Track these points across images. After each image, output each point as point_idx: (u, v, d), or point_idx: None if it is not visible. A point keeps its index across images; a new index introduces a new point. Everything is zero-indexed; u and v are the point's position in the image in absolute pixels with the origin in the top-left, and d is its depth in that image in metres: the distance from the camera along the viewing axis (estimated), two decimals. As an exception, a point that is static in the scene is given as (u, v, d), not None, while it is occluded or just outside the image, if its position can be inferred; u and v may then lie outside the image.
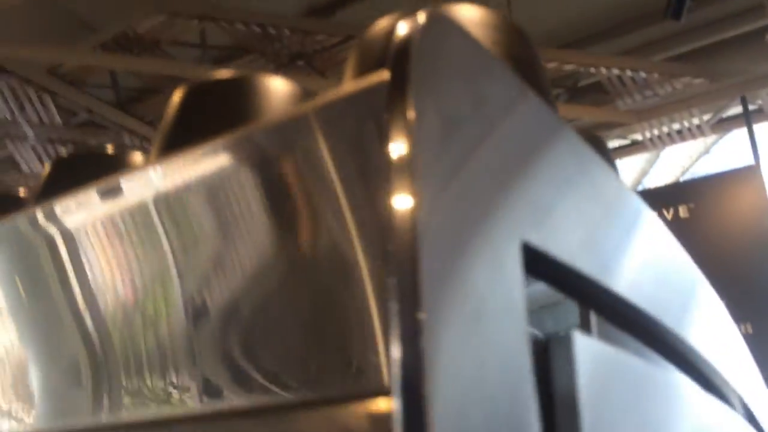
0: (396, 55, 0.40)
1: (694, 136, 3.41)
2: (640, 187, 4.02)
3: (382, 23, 0.81)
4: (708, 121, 3.37)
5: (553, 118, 0.51)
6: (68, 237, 0.61)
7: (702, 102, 3.19)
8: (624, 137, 3.70)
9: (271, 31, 2.91)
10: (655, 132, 3.39)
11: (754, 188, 2.90)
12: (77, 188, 0.61)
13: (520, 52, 0.82)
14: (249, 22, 2.92)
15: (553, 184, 0.48)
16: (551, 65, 3.03)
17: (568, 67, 3.14)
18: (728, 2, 2.94)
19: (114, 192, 0.59)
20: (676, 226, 2.97)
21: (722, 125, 3.49)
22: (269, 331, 0.46)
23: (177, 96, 0.89)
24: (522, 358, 0.39)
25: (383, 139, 0.38)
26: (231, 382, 0.48)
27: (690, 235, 2.75)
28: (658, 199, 3.10)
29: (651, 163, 4.17)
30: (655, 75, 3.09)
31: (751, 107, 3.25)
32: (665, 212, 3.06)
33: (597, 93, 3.32)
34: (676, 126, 3.34)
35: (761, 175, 2.96)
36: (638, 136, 3.50)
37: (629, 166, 4.08)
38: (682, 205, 3.05)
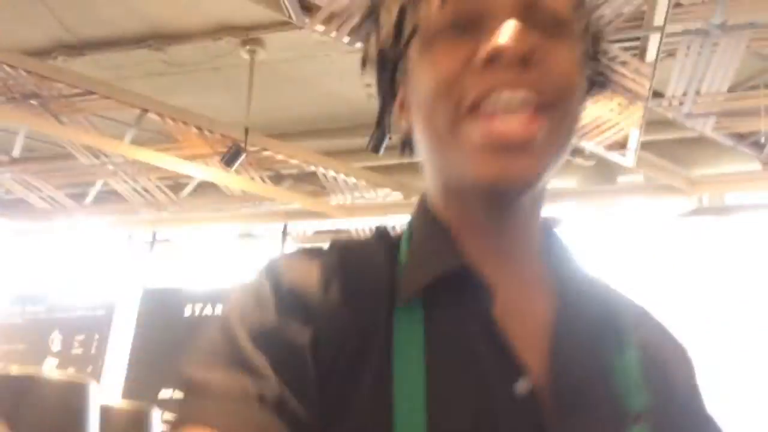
0: None
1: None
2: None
3: None
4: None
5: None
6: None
7: (397, 211, 3.83)
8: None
9: (6, 68, 2.93)
10: (362, 227, 3.96)
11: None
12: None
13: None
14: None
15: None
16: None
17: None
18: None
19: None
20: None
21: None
22: None
23: None
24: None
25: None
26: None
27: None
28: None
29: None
30: (362, 181, 3.65)
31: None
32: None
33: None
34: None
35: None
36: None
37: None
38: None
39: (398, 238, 0.68)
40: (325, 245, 0.67)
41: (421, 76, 0.64)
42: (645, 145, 3.30)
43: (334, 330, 0.60)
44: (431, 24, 0.63)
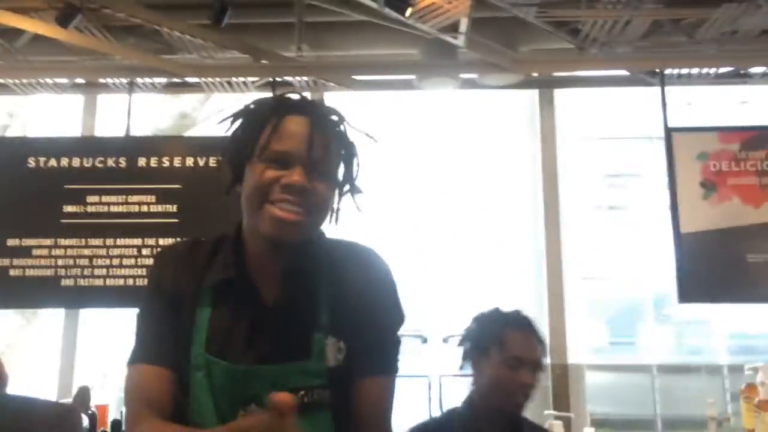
0: None
1: (242, 91, 4.16)
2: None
3: None
4: (254, 83, 4.12)
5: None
6: None
7: (245, 73, 3.93)
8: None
9: None
10: (211, 81, 4.04)
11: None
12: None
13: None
14: None
15: None
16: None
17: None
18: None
19: None
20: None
21: (268, 86, 4.24)
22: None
23: None
24: None
25: None
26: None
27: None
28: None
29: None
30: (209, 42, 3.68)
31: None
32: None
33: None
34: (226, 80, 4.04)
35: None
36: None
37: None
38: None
39: (225, 242, 1.31)
40: (180, 242, 1.36)
41: (252, 175, 1.23)
42: (477, 26, 3.56)
43: (174, 296, 1.27)
44: (262, 155, 1.23)
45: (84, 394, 3.32)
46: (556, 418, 3.29)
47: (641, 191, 4.55)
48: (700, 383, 4.08)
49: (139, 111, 4.17)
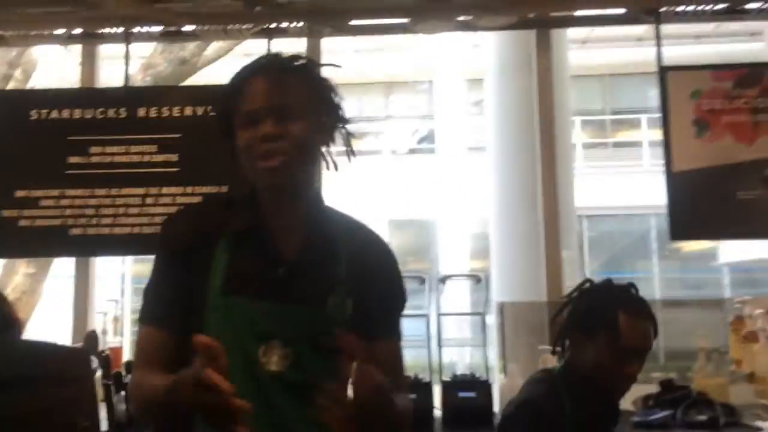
0: None
1: (237, 38, 4.18)
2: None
3: None
4: (249, 29, 4.13)
5: None
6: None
7: (239, 20, 3.93)
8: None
9: None
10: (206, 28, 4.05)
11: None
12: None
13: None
14: None
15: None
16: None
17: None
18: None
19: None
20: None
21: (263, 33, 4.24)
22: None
23: None
24: None
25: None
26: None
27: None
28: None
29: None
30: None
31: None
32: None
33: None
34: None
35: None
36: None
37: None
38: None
39: (240, 197, 1.40)
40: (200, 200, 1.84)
41: (238, 140, 1.35)
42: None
43: (185, 252, 1.35)
44: (238, 122, 1.35)
45: (92, 338, 3.48)
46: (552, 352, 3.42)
47: (646, 128, 4.59)
48: (702, 316, 4.21)
49: (137, 59, 4.18)
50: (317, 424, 1.17)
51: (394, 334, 1.46)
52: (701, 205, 3.78)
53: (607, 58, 9.81)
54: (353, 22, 4.11)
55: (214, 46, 5.83)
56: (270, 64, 1.38)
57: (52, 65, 5.12)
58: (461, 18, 4.11)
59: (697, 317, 4.29)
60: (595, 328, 1.74)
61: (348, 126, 1.44)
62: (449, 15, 4.03)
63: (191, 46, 5.52)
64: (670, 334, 4.25)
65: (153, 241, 3.64)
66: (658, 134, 4.07)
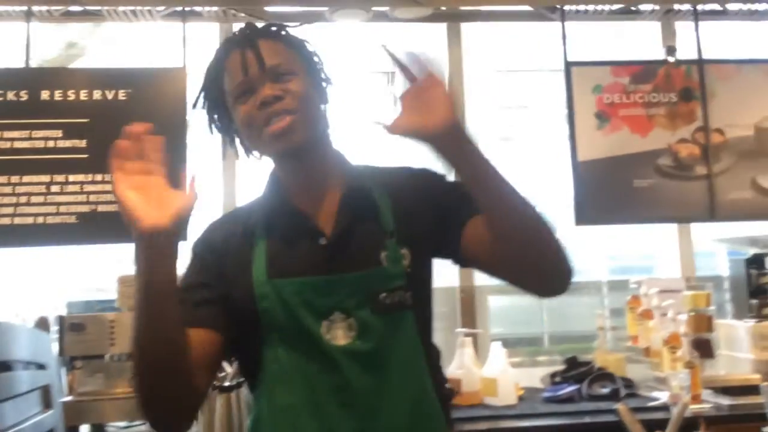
0: None
1: (147, 20, 4.01)
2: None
3: None
4: (160, 12, 3.98)
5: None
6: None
7: (152, 2, 3.80)
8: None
9: None
10: (113, 9, 3.87)
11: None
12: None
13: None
14: None
15: None
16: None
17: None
18: None
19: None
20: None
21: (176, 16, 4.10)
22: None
23: None
24: None
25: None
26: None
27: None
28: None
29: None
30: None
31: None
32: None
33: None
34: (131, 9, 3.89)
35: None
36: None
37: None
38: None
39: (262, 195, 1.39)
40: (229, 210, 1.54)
41: (238, 117, 1.33)
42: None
43: (222, 248, 1.34)
44: (231, 100, 1.33)
45: (44, 323, 3.29)
46: (466, 335, 3.56)
47: (536, 122, 4.82)
48: (585, 300, 4.49)
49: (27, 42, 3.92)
50: (393, 394, 1.19)
51: (476, 207, 1.29)
52: (602, 192, 4.04)
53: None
54: (269, 9, 4.06)
55: (108, 29, 5.55)
56: (248, 35, 1.35)
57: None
58: (377, 8, 4.15)
59: (579, 301, 4.56)
60: None
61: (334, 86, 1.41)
62: (366, 5, 4.07)
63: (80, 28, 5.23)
64: (555, 319, 4.50)
65: (59, 232, 3.50)
66: (555, 127, 4.30)
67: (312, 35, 1.46)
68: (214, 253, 1.33)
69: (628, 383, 3.58)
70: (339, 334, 1.23)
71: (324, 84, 1.40)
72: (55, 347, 2.86)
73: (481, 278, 4.28)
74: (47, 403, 1.66)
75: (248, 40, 1.32)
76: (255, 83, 1.29)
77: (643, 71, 4.18)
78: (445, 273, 4.37)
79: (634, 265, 5.32)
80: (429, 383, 1.28)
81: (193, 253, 1.37)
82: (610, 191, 4.05)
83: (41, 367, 1.67)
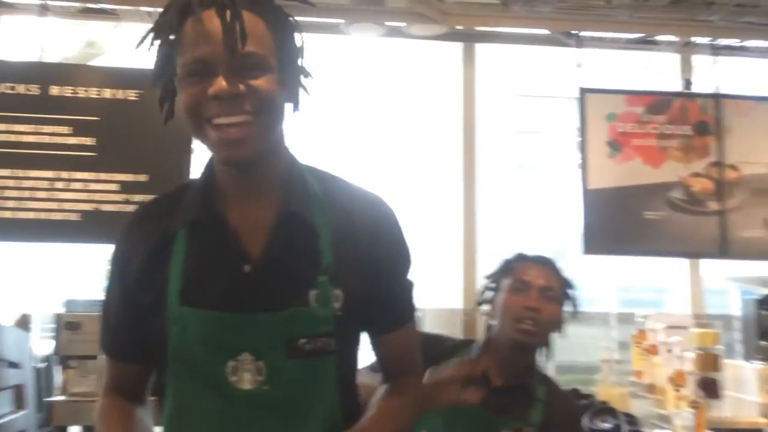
0: None
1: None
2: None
3: None
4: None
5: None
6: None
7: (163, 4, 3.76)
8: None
9: None
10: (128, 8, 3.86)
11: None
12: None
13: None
14: None
15: None
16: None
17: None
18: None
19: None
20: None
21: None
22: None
23: None
24: None
25: None
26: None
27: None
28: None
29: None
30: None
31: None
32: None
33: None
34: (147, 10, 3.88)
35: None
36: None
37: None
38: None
39: (193, 183, 1.15)
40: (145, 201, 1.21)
41: (182, 97, 1.05)
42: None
43: (139, 250, 1.13)
44: (181, 70, 1.04)
45: (26, 321, 3.24)
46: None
47: (548, 149, 4.78)
48: (591, 331, 4.41)
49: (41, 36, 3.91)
50: None
51: (407, 317, 1.21)
52: (611, 222, 3.98)
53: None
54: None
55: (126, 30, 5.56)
56: None
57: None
58: (392, 24, 4.14)
59: (586, 332, 4.48)
60: (500, 278, 1.80)
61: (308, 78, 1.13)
62: (381, 19, 4.05)
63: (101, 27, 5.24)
64: (563, 348, 4.42)
65: (62, 228, 3.46)
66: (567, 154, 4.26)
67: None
68: (127, 257, 1.15)
69: (631, 419, 3.48)
70: (245, 378, 1.06)
71: (298, 78, 1.12)
72: (41, 345, 2.79)
73: (484, 302, 4.21)
74: (20, 403, 1.58)
75: (221, 2, 1.00)
76: (214, 64, 1.00)
77: (658, 102, 4.14)
78: (447, 294, 4.33)
79: (644, 298, 5.25)
80: None
81: (113, 261, 1.18)
82: (620, 221, 3.99)
83: (14, 365, 1.59)
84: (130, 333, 1.15)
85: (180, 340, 1.07)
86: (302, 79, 1.12)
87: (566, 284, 1.80)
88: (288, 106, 1.11)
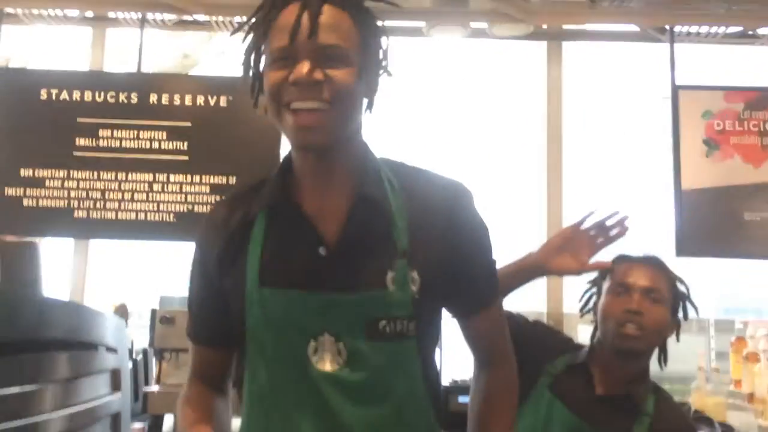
0: None
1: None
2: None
3: None
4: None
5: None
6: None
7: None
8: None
9: None
10: (221, 20, 4.02)
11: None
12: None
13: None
14: None
15: None
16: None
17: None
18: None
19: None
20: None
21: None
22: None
23: None
24: None
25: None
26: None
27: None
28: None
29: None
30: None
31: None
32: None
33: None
34: (238, 20, 4.02)
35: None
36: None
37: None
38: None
39: (273, 173, 1.19)
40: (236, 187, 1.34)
41: (266, 83, 1.10)
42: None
43: (220, 236, 1.18)
44: (268, 58, 1.10)
45: (123, 310, 3.45)
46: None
47: (637, 149, 4.61)
48: (687, 339, 4.21)
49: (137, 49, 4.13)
50: (379, 429, 1.06)
51: (490, 299, 1.22)
52: (707, 224, 3.80)
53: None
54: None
55: (218, 39, 5.80)
56: None
57: (60, 47, 5.05)
58: (476, 25, 4.11)
59: (683, 339, 4.28)
60: (601, 282, 1.76)
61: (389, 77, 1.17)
62: (464, 21, 4.04)
63: (195, 39, 5.49)
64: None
65: (158, 228, 3.66)
66: (659, 153, 4.10)
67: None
68: (209, 246, 1.19)
69: (728, 430, 3.31)
70: (327, 358, 1.08)
71: (378, 74, 1.15)
72: (139, 338, 2.94)
73: (570, 305, 4.11)
74: (116, 385, 1.69)
75: None
76: (298, 53, 1.05)
77: (759, 98, 3.93)
78: (531, 296, 4.25)
79: (744, 306, 4.97)
80: (432, 417, 1.14)
81: (195, 250, 1.23)
82: (717, 223, 3.80)
83: (112, 350, 1.69)
84: (211, 317, 1.21)
85: (259, 321, 1.09)
86: (384, 78, 1.17)
87: (675, 285, 1.72)
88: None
